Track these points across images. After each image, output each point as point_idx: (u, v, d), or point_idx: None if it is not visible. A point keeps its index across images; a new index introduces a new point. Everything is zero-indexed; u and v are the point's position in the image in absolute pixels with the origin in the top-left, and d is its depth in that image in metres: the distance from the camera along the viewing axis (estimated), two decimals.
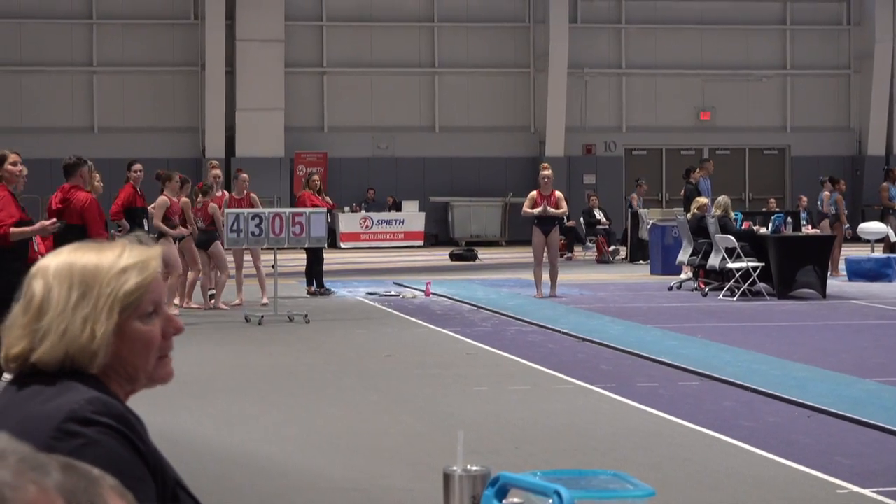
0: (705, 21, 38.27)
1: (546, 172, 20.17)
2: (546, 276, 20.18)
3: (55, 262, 2.45)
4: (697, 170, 25.87)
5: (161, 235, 17.15)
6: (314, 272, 20.63)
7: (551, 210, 19.76)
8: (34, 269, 2.47)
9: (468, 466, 2.74)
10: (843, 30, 38.89)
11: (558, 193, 20.10)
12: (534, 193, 20.13)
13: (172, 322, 2.54)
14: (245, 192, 19.56)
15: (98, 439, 2.30)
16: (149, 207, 17.19)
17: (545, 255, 20.07)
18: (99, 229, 12.66)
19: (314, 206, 19.28)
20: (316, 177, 21.53)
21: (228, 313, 18.14)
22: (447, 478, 2.74)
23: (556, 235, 20.26)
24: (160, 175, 17.88)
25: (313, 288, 20.56)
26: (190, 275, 18.73)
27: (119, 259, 2.45)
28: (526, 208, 20.08)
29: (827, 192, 25.47)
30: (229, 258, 19.33)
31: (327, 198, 21.37)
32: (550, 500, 2.44)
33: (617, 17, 38.09)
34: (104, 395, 2.37)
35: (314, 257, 20.41)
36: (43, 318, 2.40)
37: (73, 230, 12.28)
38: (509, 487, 2.62)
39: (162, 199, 17.43)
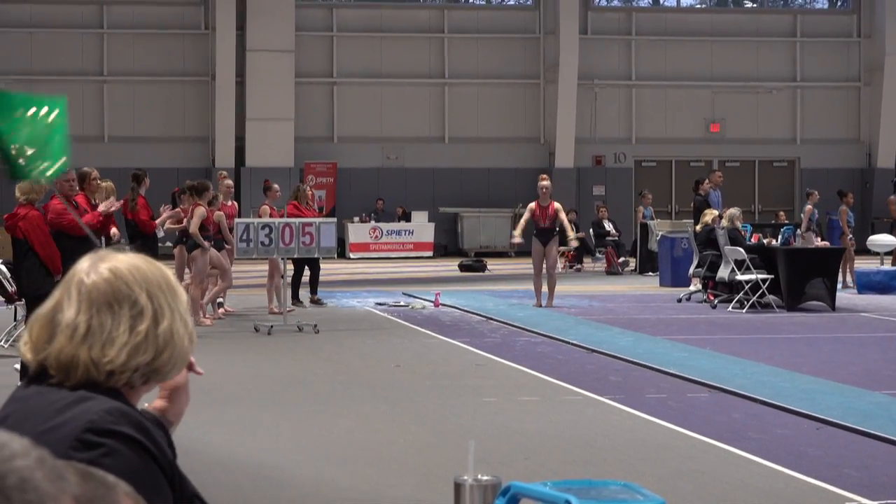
0: (715, 33, 38.25)
1: (544, 183, 20.29)
2: (545, 287, 20.29)
3: (138, 268, 2.46)
4: (707, 181, 25.81)
5: (195, 246, 17.26)
6: (296, 282, 20.56)
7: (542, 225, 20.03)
8: (110, 274, 2.43)
9: (479, 476, 2.75)
10: (853, 42, 38.84)
11: (556, 205, 20.20)
12: (532, 205, 20.27)
13: None
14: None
15: (117, 449, 2.32)
16: (160, 217, 17.24)
17: (544, 265, 20.21)
18: (72, 229, 12.40)
19: (295, 215, 19.09)
20: (301, 186, 21.27)
21: (237, 322, 18.15)
22: (458, 487, 2.76)
23: (555, 246, 20.34)
24: (196, 186, 17.86)
25: (316, 296, 20.56)
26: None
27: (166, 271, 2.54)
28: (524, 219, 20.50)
29: (809, 206, 25.24)
30: (263, 267, 19.41)
31: (313, 205, 21.20)
32: None
33: (627, 29, 38.09)
34: (123, 405, 2.39)
35: (313, 267, 20.36)
36: (160, 326, 2.45)
37: (59, 238, 12.27)
38: (520, 497, 2.63)
39: (200, 209, 17.49)
